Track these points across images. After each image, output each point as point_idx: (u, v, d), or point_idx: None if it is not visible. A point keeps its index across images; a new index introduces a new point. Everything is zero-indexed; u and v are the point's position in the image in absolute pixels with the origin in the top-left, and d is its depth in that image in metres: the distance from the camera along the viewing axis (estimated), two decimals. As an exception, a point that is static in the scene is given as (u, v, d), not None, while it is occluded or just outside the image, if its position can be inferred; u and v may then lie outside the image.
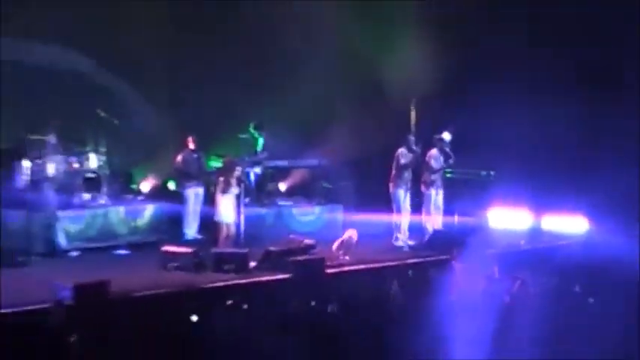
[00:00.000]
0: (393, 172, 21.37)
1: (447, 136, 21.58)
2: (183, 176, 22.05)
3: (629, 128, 21.59)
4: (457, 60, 23.24)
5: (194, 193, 21.81)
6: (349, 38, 24.37)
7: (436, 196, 21.62)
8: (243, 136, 23.58)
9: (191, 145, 22.02)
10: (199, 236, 21.53)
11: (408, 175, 21.34)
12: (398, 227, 21.40)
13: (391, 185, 21.36)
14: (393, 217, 21.44)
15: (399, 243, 21.27)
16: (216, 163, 22.52)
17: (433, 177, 21.51)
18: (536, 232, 21.77)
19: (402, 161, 21.31)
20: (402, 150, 21.38)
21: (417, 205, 21.69)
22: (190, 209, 21.74)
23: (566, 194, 21.59)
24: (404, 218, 21.43)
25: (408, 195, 21.44)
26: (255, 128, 23.48)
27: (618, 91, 21.35)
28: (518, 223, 21.81)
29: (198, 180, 21.96)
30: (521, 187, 21.99)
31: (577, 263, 17.69)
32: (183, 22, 24.95)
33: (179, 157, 22.04)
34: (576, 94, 21.73)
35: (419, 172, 21.54)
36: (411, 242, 21.28)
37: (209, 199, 21.30)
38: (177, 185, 22.57)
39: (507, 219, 21.88)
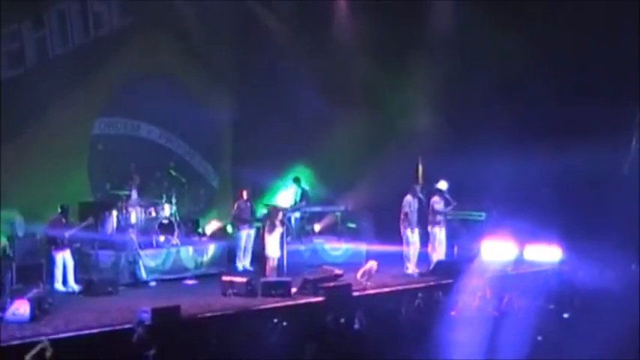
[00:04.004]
0: (402, 215, 21.27)
1: (443, 184, 21.33)
2: (238, 220, 22.07)
3: (594, 174, 21.44)
4: (455, 121, 23.19)
5: (246, 234, 21.82)
6: (370, 111, 24.39)
7: (439, 233, 21.46)
8: (286, 188, 23.75)
9: (244, 196, 22.08)
10: (251, 268, 21.49)
11: (414, 217, 21.16)
12: (408, 259, 21.27)
13: (401, 226, 21.22)
14: (404, 251, 21.38)
15: (409, 271, 21.15)
16: (263, 210, 22.63)
17: (437, 218, 21.33)
18: (519, 261, 21.59)
19: (409, 206, 21.20)
20: (408, 197, 21.28)
21: (425, 241, 21.61)
22: (242, 247, 21.74)
23: (543, 229, 21.39)
24: (412, 252, 21.28)
25: (416, 232, 21.27)
26: (294, 181, 23.66)
27: (581, 141, 21.09)
28: (505, 253, 21.60)
29: (250, 223, 21.96)
30: (507, 225, 21.81)
31: (552, 285, 17.62)
32: (246, 105, 25.17)
33: (235, 206, 22.18)
34: (549, 144, 21.54)
35: (425, 215, 21.49)
36: (417, 270, 21.13)
37: (260, 239, 21.37)
38: (233, 227, 22.50)
39: (496, 250, 21.68)
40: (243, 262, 21.72)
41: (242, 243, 21.76)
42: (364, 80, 24.40)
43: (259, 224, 22.26)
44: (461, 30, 23.39)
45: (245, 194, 22.11)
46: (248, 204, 22.03)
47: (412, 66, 23.77)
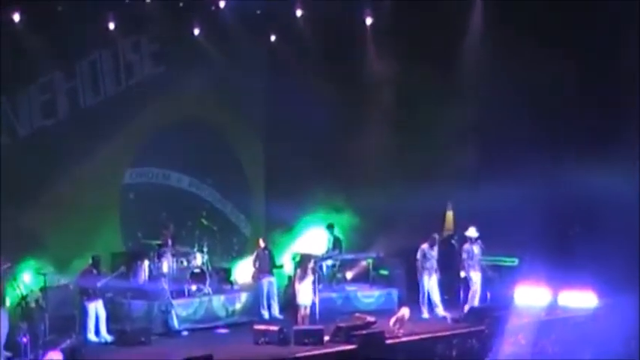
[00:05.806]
0: (419, 262, 21.43)
1: (472, 232, 21.50)
2: (257, 270, 22.01)
3: (629, 216, 21.39)
4: (482, 167, 23.21)
5: (267, 282, 21.79)
6: (394, 162, 24.44)
7: (475, 278, 21.53)
8: (319, 235, 23.91)
9: (262, 244, 22.22)
10: (280, 316, 21.49)
11: (430, 264, 21.34)
12: (423, 302, 21.40)
13: (418, 272, 21.42)
14: (420, 296, 21.49)
15: (434, 315, 21.23)
16: (295, 258, 22.72)
17: (468, 265, 21.47)
18: (553, 307, 21.41)
19: (426, 254, 21.40)
20: (425, 245, 21.47)
21: (453, 288, 21.76)
22: (265, 295, 21.68)
23: (578, 274, 21.34)
24: (434, 297, 21.36)
25: (433, 278, 21.33)
26: (327, 229, 23.79)
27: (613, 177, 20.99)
28: (539, 299, 21.48)
29: (269, 272, 21.96)
30: (541, 270, 21.76)
31: (586, 332, 17.57)
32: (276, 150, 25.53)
33: (253, 255, 22.23)
34: (579, 183, 21.44)
35: (457, 261, 21.57)
36: (446, 313, 21.17)
37: (291, 287, 21.46)
38: (253, 277, 22.22)
39: (530, 296, 21.63)
40: (271, 310, 21.66)
41: (264, 291, 21.71)
42: (395, 121, 24.37)
43: (288, 271, 22.42)
44: (492, 68, 23.29)
45: (262, 242, 22.26)
46: (266, 252, 22.09)
47: (442, 105, 23.70)
